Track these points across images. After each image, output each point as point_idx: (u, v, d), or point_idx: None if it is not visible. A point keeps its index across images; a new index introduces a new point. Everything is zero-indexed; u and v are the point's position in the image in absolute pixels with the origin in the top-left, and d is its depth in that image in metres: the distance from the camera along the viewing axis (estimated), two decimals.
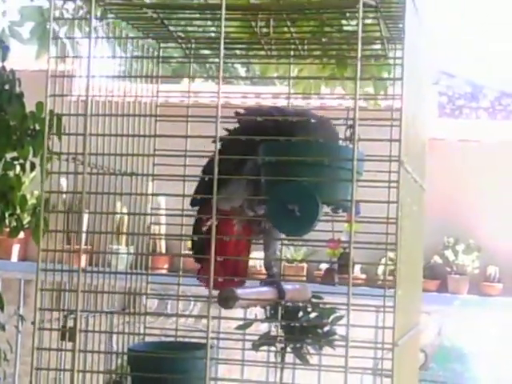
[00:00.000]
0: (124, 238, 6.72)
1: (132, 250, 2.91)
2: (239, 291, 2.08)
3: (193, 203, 2.43)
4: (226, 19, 2.08)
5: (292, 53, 2.63)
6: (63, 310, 2.24)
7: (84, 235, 2.18)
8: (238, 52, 2.66)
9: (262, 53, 2.61)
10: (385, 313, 2.35)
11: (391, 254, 2.00)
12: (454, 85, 14.51)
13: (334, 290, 2.34)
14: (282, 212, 2.01)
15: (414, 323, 2.42)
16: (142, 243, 2.84)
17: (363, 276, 7.28)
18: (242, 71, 13.00)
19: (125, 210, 3.04)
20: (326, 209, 2.17)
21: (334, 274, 2.35)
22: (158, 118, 2.58)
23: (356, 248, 1.98)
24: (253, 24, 2.38)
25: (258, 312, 2.89)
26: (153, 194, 2.59)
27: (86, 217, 2.21)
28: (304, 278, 6.73)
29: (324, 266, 2.43)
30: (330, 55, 2.74)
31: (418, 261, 2.56)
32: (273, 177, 2.09)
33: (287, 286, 2.41)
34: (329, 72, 4.34)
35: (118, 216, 5.58)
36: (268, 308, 2.66)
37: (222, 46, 2.00)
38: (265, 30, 2.38)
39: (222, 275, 2.21)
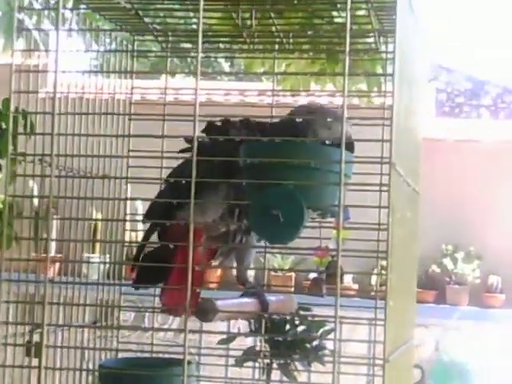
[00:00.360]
0: (99, 245, 6.70)
1: (107, 259, 2.90)
2: (219, 303, 2.08)
3: (149, 216, 2.34)
4: (206, 10, 2.08)
5: (277, 47, 2.63)
6: (29, 324, 2.22)
7: (56, 242, 2.17)
8: (220, 46, 2.65)
9: (245, 47, 2.61)
10: (376, 326, 2.36)
11: (384, 263, 2.00)
12: (453, 81, 14.56)
13: (325, 301, 2.34)
14: (264, 218, 2.01)
15: (407, 337, 2.42)
16: (117, 251, 2.83)
17: (355, 286, 7.28)
18: (226, 66, 13.01)
19: (99, 216, 3.03)
20: (312, 214, 2.17)
21: (322, 284, 2.36)
22: (132, 117, 2.57)
23: (345, 256, 1.98)
24: (234, 15, 2.38)
25: (241, 325, 2.89)
26: (126, 199, 2.58)
27: (56, 223, 2.20)
28: (292, 289, 6.72)
29: (313, 276, 2.43)
30: (318, 50, 2.74)
31: (411, 270, 2.56)
32: (255, 180, 2.09)
33: (271, 298, 2.40)
34: (318, 67, 4.35)
35: (92, 222, 5.57)
36: (252, 321, 2.66)
37: (201, 40, 2.00)
38: (248, 22, 2.38)
39: (177, 299, 2.13)
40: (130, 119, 2.55)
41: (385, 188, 2.00)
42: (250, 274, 3.20)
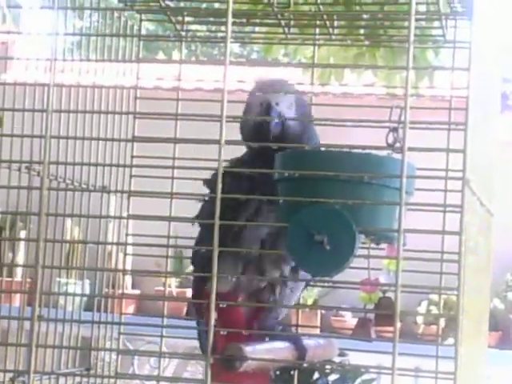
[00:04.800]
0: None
1: (87, 285, 2.93)
2: (248, 348, 2.10)
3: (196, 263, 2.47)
4: None
5: (317, 31, 2.65)
6: (10, 371, 2.24)
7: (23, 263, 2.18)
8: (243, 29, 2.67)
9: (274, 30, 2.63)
10: (437, 379, 2.37)
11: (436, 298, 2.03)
12: None
13: (372, 346, 2.36)
14: (305, 245, 2.03)
15: None
16: (101, 277, 2.86)
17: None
18: (235, 47, 13.06)
19: (77, 231, 3.04)
20: (363, 240, 2.20)
21: (370, 325, 2.38)
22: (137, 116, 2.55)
23: (404, 292, 2.00)
24: None
25: None
26: (128, 217, 2.57)
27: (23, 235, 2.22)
28: (317, 330, 6.70)
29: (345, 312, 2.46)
30: (373, 35, 2.71)
31: (482, 308, 2.58)
32: (293, 197, 2.11)
33: (308, 342, 2.43)
34: (356, 52, 4.39)
35: (68, 238, 5.62)
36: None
37: (230, 21, 2.02)
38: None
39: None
40: (134, 117, 2.54)
41: (451, 209, 2.02)
42: None
